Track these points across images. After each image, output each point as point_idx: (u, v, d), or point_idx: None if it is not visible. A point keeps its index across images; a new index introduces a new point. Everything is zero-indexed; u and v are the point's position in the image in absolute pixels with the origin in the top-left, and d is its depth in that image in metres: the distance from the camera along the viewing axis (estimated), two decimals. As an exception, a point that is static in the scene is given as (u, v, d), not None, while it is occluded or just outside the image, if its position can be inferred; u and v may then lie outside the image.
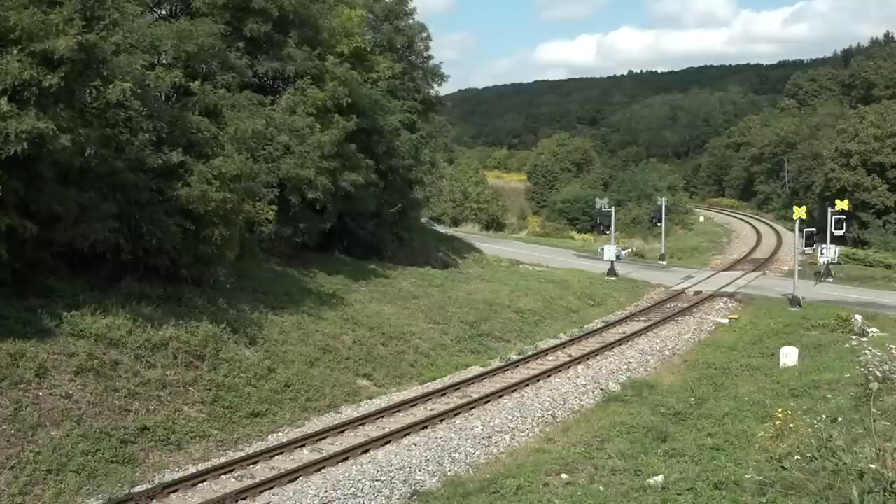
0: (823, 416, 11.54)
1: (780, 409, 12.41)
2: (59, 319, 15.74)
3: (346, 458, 15.20)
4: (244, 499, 13.22)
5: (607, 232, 45.54)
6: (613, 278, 40.28)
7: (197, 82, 21.40)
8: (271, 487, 13.69)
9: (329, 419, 17.82)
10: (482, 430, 17.12)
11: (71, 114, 15.02)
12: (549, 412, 18.62)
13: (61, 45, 14.12)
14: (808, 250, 39.04)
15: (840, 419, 11.42)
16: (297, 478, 14.17)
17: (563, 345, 26.18)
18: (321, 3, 30.15)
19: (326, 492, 13.41)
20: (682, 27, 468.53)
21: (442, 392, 20.15)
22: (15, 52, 14.07)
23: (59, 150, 14.40)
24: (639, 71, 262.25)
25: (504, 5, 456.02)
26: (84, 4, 15.02)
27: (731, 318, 30.89)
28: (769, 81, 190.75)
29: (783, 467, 9.71)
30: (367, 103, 29.99)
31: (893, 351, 13.66)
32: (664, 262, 50.76)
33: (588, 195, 76.36)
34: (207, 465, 14.59)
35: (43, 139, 13.92)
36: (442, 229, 59.30)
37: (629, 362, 23.78)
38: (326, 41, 29.26)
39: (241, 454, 15.25)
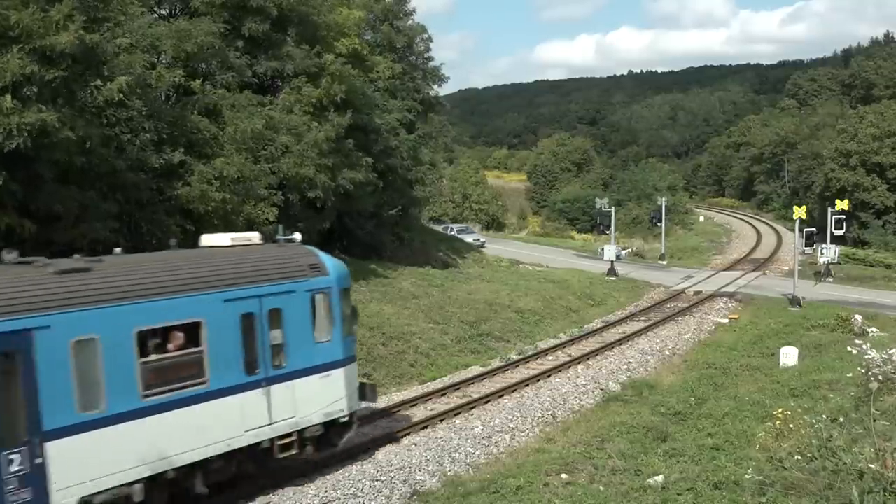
0: (823, 416, 11.54)
1: (780, 409, 12.42)
2: (59, 319, 15.70)
3: (347, 458, 15.18)
4: (244, 497, 13.21)
5: (607, 232, 45.54)
6: (613, 278, 40.28)
7: (197, 82, 21.40)
8: (271, 487, 13.67)
9: (329, 419, 17.78)
10: (482, 429, 17.12)
11: (71, 111, 15.04)
12: (549, 412, 18.61)
13: (62, 41, 14.16)
14: (808, 250, 39.04)
15: (840, 419, 11.42)
16: (298, 477, 14.16)
17: (563, 345, 26.17)
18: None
19: (326, 492, 13.40)
20: (681, 27, 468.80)
21: (442, 392, 20.15)
22: (15, 49, 14.11)
23: (61, 144, 14.41)
24: (639, 71, 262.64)
25: (503, 5, 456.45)
26: (83, 2, 15.04)
27: (731, 318, 30.88)
28: (769, 81, 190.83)
29: (783, 467, 9.72)
30: (363, 100, 29.95)
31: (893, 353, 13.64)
32: (664, 262, 50.76)
33: (588, 195, 76.45)
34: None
35: (46, 132, 13.94)
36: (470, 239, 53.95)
37: (629, 362, 23.77)
38: (325, 38, 29.23)
39: (240, 454, 15.21)
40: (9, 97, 13.79)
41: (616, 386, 20.77)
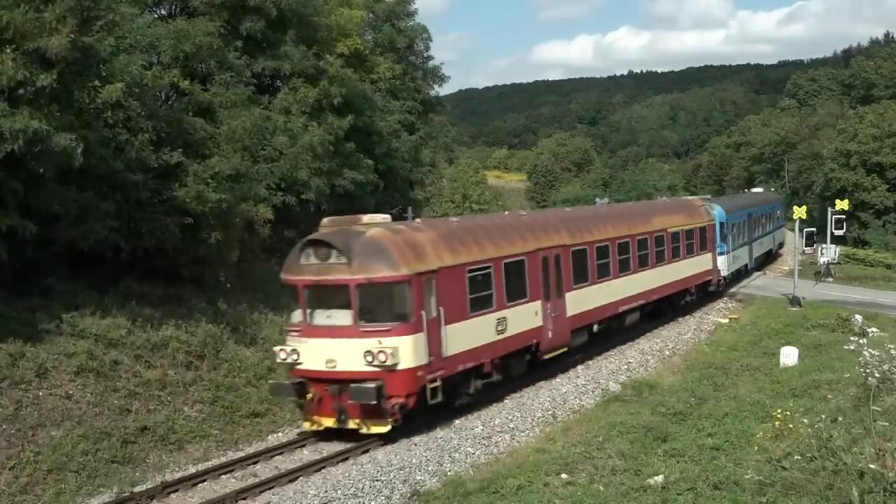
0: (823, 416, 11.54)
1: (780, 409, 12.41)
2: (59, 319, 15.74)
3: (347, 458, 15.19)
4: (244, 498, 13.22)
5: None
6: (613, 278, 40.17)
7: (188, 81, 21.36)
8: (272, 487, 13.69)
9: (329, 419, 17.78)
10: (482, 429, 17.11)
11: (69, 114, 15.02)
12: (549, 412, 18.60)
13: (54, 44, 14.10)
14: (809, 250, 39.08)
15: (840, 419, 11.42)
16: (298, 478, 14.18)
17: (563, 345, 26.07)
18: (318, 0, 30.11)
19: (326, 492, 13.40)
20: (678, 27, 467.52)
21: (442, 392, 20.09)
22: (9, 50, 14.05)
23: (56, 150, 14.38)
24: (639, 71, 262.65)
25: (499, 5, 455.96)
26: (78, 3, 14.97)
27: (731, 318, 30.86)
28: (769, 81, 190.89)
29: (783, 467, 9.72)
30: (364, 102, 29.93)
31: (893, 351, 13.65)
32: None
33: (588, 195, 76.68)
34: (208, 464, 14.61)
35: (38, 138, 13.91)
36: None
37: (629, 362, 23.75)
38: (324, 39, 29.23)
39: (241, 454, 15.26)
40: None
41: (616, 386, 20.76)
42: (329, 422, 15.83)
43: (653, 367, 23.23)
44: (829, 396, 15.31)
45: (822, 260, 40.68)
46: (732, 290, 36.22)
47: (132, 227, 17.99)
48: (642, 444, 14.39)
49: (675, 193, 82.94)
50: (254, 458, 14.92)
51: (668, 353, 25.26)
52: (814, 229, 39.18)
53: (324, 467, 14.71)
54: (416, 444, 16.07)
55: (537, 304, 19.66)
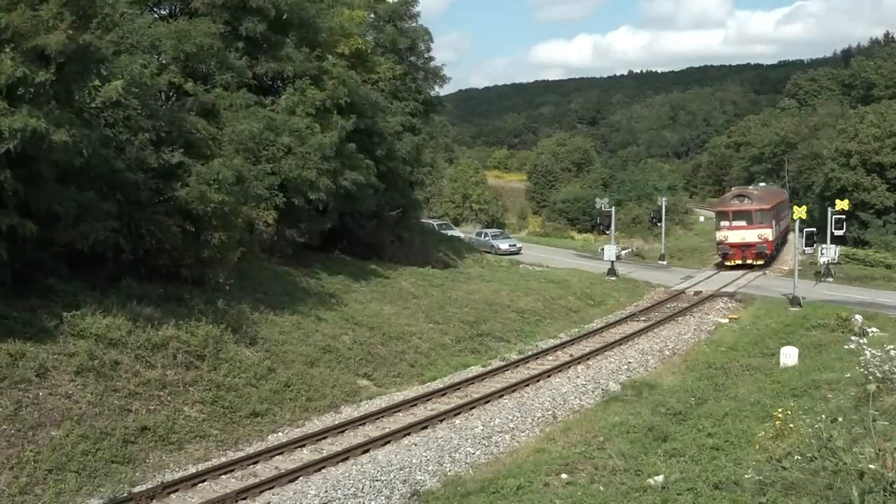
0: (823, 416, 11.52)
1: (780, 409, 12.41)
2: (59, 319, 15.75)
3: (347, 458, 15.21)
4: (244, 498, 13.24)
5: (607, 232, 45.50)
6: (613, 278, 40.27)
7: (190, 82, 21.33)
8: (272, 487, 13.71)
9: (329, 419, 17.83)
10: (482, 429, 17.13)
11: (68, 113, 15.00)
12: (550, 412, 18.63)
13: (52, 42, 14.09)
14: (809, 250, 39.03)
15: (840, 419, 11.41)
16: (298, 478, 14.19)
17: (563, 345, 26.18)
18: (319, 3, 30.11)
19: (327, 492, 13.42)
20: (677, 28, 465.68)
21: (442, 392, 20.16)
22: (7, 49, 14.04)
23: (56, 148, 14.37)
24: (638, 71, 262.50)
25: (497, 5, 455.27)
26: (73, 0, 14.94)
27: (731, 318, 30.88)
28: (769, 81, 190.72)
29: (783, 467, 9.71)
30: (367, 104, 29.96)
31: (893, 351, 13.63)
32: (664, 262, 50.73)
33: (588, 195, 76.43)
34: (208, 464, 14.61)
35: (38, 137, 13.89)
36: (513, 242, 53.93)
37: (629, 362, 23.78)
38: (326, 41, 29.23)
39: (241, 454, 15.27)
40: None
41: (616, 386, 20.78)
42: (738, 261, 43.74)
43: (653, 367, 23.26)
44: (829, 396, 15.30)
45: (822, 260, 40.64)
46: (732, 290, 36.25)
47: (132, 227, 17.97)
48: (642, 444, 14.40)
49: (675, 194, 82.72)
50: (254, 458, 14.93)
51: (668, 353, 25.29)
52: (814, 229, 39.05)
53: (324, 467, 14.73)
54: (416, 444, 16.11)
55: (772, 228, 45.47)
